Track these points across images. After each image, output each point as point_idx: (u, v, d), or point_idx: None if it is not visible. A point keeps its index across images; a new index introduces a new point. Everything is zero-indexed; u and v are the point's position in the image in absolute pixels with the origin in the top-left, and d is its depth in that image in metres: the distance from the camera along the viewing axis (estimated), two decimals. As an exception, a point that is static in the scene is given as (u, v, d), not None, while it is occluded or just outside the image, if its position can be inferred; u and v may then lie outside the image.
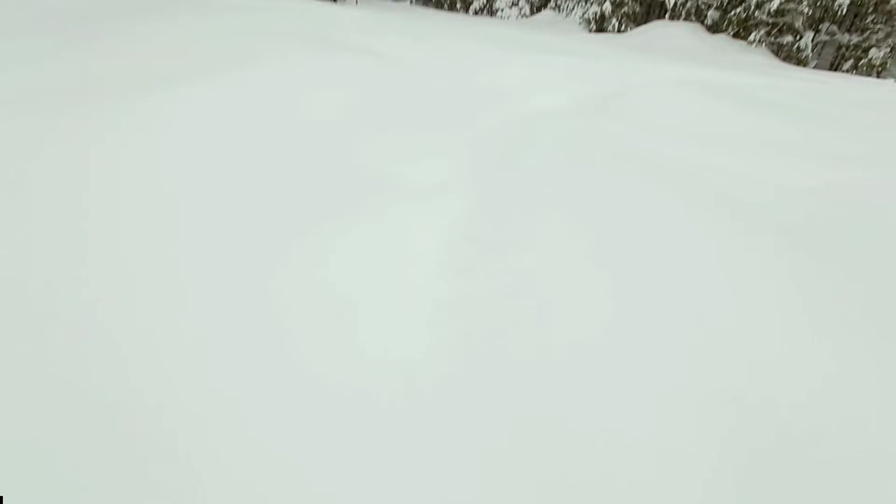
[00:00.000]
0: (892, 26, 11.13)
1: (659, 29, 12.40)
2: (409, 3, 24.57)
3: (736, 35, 11.71)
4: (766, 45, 11.37)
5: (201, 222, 1.28)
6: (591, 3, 14.93)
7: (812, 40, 11.35)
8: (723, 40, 11.71)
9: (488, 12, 22.46)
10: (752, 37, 11.29)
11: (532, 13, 21.75)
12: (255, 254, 1.21)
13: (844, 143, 2.50)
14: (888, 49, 11.44)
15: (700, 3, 13.11)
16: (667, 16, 13.89)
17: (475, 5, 22.68)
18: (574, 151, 2.28)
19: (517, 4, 21.45)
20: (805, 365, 0.96)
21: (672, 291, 1.18)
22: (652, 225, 1.55)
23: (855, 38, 11.93)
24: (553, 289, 1.19)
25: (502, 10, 21.54)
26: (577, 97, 3.30)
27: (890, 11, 11.33)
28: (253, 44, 3.14)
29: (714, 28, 12.53)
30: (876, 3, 11.48)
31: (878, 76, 12.01)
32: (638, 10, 14.63)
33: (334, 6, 8.94)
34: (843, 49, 13.03)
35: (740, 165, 2.14)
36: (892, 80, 7.92)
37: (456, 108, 2.82)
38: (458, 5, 24.15)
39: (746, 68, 6.87)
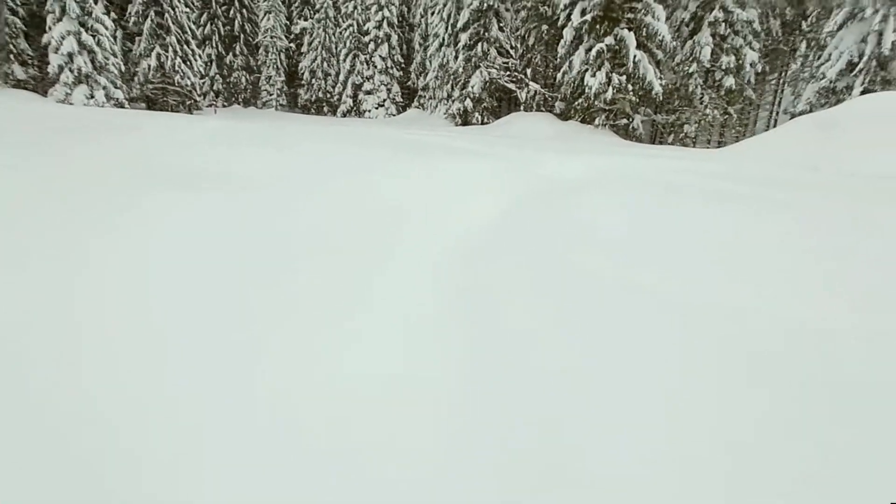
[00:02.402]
0: (693, 107, 13.73)
1: (520, 119, 13.56)
2: (274, 108, 24.21)
3: (582, 121, 13.29)
4: (608, 127, 13.04)
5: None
6: (454, 101, 16.04)
7: (641, 121, 13.38)
8: (574, 126, 13.17)
9: (356, 113, 23.10)
10: (596, 122, 12.88)
11: (398, 112, 22.94)
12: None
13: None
14: (696, 125, 14.00)
15: (547, 95, 14.87)
16: (521, 108, 15.45)
17: (342, 108, 23.24)
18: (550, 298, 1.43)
19: (383, 105, 22.50)
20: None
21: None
22: None
23: (671, 118, 14.45)
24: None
25: (370, 111, 22.33)
26: (514, 204, 2.59)
27: (684, 96, 14.08)
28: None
29: (563, 116, 14.15)
30: (675, 90, 14.20)
31: (693, 146, 14.53)
32: (495, 104, 16.10)
33: (191, 118, 7.76)
34: (660, 126, 15.76)
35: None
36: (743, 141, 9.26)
37: (370, 252, 1.83)
38: (326, 109, 24.54)
39: (616, 149, 7.32)
